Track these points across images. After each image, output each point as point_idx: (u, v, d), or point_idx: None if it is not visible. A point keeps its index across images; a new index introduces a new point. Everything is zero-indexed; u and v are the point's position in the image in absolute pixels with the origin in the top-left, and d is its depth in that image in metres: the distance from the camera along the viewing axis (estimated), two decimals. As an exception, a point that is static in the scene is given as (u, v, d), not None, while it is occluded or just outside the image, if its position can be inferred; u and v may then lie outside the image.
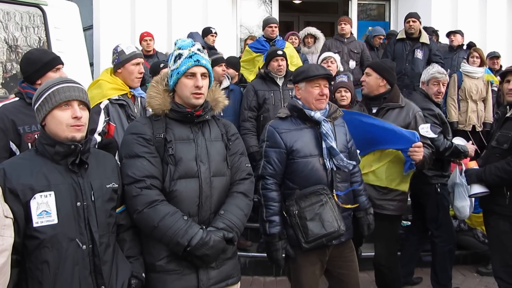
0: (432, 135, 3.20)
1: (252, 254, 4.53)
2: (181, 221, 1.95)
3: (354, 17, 7.79)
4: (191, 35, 5.46)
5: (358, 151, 2.95)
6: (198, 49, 2.13)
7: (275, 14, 7.87)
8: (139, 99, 3.38)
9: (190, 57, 2.08)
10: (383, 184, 3.18)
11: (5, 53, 5.22)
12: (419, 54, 5.58)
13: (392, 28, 7.68)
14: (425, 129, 3.17)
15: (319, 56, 5.55)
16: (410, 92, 5.30)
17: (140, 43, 6.16)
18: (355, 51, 5.79)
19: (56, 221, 1.70)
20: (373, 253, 3.48)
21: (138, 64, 3.23)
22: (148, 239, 2.04)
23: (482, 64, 5.62)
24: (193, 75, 2.08)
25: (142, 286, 1.98)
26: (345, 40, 5.86)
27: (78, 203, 1.76)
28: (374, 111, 3.25)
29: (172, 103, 2.13)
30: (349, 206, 2.68)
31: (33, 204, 1.68)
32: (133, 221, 2.00)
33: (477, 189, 3.15)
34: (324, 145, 2.55)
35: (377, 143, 3.15)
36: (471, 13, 7.42)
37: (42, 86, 1.84)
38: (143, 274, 1.98)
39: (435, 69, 3.81)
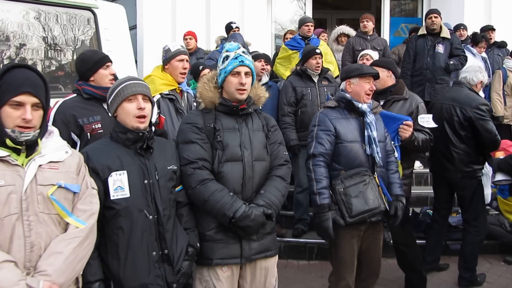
0: (432, 124, 3.45)
1: (287, 239, 4.81)
2: (228, 197, 2.28)
3: (386, 14, 7.89)
4: (233, 36, 5.75)
5: (393, 142, 3.22)
6: (243, 52, 2.45)
7: (309, 11, 8.06)
8: (185, 94, 3.74)
9: (236, 58, 2.40)
10: None
11: (60, 53, 5.71)
12: (440, 48, 5.67)
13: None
14: (426, 119, 3.43)
15: (343, 55, 5.85)
16: (432, 86, 5.47)
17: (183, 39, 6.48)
18: (378, 48, 5.93)
19: (128, 195, 2.06)
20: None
21: (182, 60, 3.59)
22: (199, 212, 2.38)
23: None
24: (238, 73, 2.39)
25: (197, 254, 2.32)
26: (368, 37, 6.00)
27: (145, 181, 2.11)
28: (381, 103, 3.52)
29: (220, 98, 2.45)
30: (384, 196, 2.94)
31: (110, 180, 2.04)
32: (189, 198, 2.35)
33: (500, 176, 3.37)
34: (366, 133, 2.84)
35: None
36: (505, 9, 7.37)
37: (114, 84, 2.20)
38: (198, 244, 2.32)
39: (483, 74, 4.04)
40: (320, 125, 2.90)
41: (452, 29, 6.57)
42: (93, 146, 2.16)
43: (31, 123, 1.73)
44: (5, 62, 4.92)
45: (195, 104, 3.90)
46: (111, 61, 3.04)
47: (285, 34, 6.79)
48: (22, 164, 1.74)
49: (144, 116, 2.14)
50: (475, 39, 6.14)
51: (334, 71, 5.46)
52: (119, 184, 2.04)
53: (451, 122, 3.85)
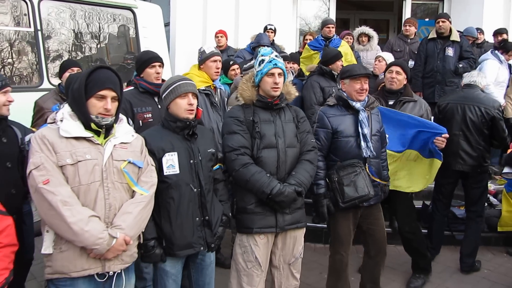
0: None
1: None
2: (265, 177, 2.76)
3: (407, 16, 8.17)
4: (259, 36, 6.20)
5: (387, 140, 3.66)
6: (276, 56, 2.91)
7: (333, 11, 8.40)
8: (219, 89, 4.23)
9: (270, 61, 2.86)
10: (417, 189, 3.95)
11: (104, 48, 6.27)
12: (450, 51, 5.90)
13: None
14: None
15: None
16: (442, 88, 5.77)
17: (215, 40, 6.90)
18: (415, 52, 6.22)
19: (178, 172, 2.55)
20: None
21: (215, 61, 4.07)
22: (242, 191, 2.85)
23: None
24: (272, 74, 2.85)
25: (229, 222, 2.81)
26: (408, 40, 6.30)
27: (191, 161, 2.60)
28: (390, 103, 3.93)
29: (257, 95, 2.92)
30: (377, 179, 3.38)
31: (164, 160, 2.53)
32: (223, 177, 2.83)
33: (507, 169, 3.78)
34: (360, 130, 3.25)
35: (410, 130, 3.79)
36: None
37: (168, 81, 2.68)
38: (230, 214, 2.81)
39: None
40: (319, 123, 3.33)
41: (476, 33, 6.80)
42: (149, 132, 2.65)
43: (110, 112, 2.23)
44: (63, 53, 5.51)
45: (226, 99, 4.39)
46: (158, 61, 3.49)
47: (305, 35, 7.18)
48: (101, 144, 2.24)
49: (192, 110, 2.63)
50: (506, 47, 6.11)
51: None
52: (171, 163, 2.54)
53: (476, 121, 4.14)
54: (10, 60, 5.04)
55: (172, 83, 2.64)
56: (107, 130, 2.27)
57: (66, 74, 3.78)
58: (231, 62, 5.08)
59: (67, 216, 2.02)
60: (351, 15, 9.68)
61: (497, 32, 6.76)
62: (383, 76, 4.78)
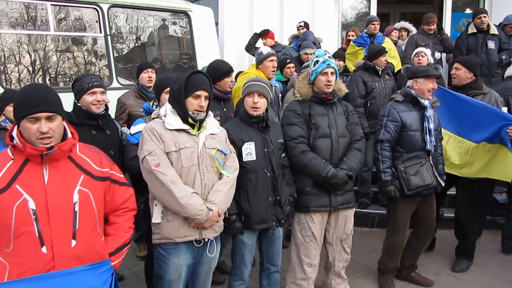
0: None
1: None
2: (321, 162, 3.21)
3: (448, 9, 8.30)
4: (306, 34, 6.60)
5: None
6: (329, 57, 3.33)
7: (374, 6, 8.62)
8: (273, 87, 4.66)
9: (324, 62, 3.29)
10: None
11: (162, 49, 6.83)
12: (491, 44, 6.09)
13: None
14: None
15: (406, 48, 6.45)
16: (489, 80, 5.96)
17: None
18: (437, 44, 6.50)
19: (255, 158, 3.02)
20: (453, 215, 4.49)
21: (271, 61, 4.49)
22: (300, 174, 3.31)
23: None
24: (326, 73, 3.28)
25: (296, 204, 3.28)
26: (430, 35, 6.51)
27: (265, 149, 3.07)
28: None
29: (312, 91, 3.36)
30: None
31: (243, 148, 3.00)
32: (290, 163, 3.29)
33: None
34: (425, 125, 3.61)
35: (475, 122, 3.97)
36: None
37: (247, 81, 3.15)
38: (295, 195, 3.27)
39: None
40: (389, 116, 3.67)
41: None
42: (230, 125, 3.12)
43: (203, 108, 2.70)
44: (129, 56, 6.10)
45: (280, 95, 4.82)
46: (233, 71, 3.97)
47: (347, 32, 7.39)
48: (196, 135, 2.73)
49: (257, 108, 3.05)
50: None
51: (397, 65, 6.13)
52: (249, 151, 3.01)
53: None
54: (84, 63, 5.67)
55: (246, 83, 3.11)
56: (200, 123, 2.74)
57: (143, 75, 4.33)
58: (288, 61, 5.47)
59: (175, 192, 2.52)
60: (391, 9, 9.84)
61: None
62: None
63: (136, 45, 6.40)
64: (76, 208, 1.96)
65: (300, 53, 6.08)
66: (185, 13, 6.62)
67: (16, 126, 1.96)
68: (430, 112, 3.65)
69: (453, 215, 4.50)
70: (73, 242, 1.95)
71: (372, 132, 4.83)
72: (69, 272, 1.90)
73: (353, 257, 3.81)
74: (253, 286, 3.52)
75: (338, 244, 3.52)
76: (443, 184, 3.80)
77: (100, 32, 5.65)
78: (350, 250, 3.63)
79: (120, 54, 6.07)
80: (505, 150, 3.87)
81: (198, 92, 2.66)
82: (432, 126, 3.62)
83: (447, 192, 4.69)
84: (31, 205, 1.87)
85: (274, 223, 3.10)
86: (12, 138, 1.96)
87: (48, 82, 5.32)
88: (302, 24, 7.27)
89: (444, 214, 5.10)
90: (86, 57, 5.67)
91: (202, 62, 6.46)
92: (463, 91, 4.20)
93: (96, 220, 2.07)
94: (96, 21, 5.67)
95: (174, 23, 6.73)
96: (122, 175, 2.32)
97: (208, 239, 2.72)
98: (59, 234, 1.91)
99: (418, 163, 3.61)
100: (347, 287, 3.72)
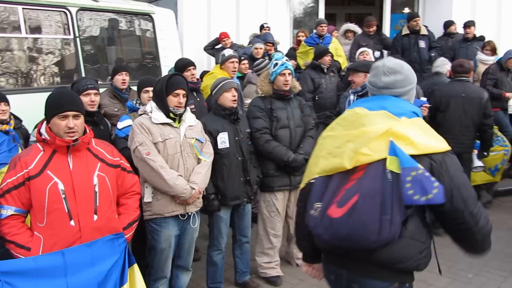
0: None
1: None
2: (283, 149, 3.83)
3: (388, 11, 9.17)
4: (266, 35, 7.22)
5: None
6: (286, 60, 3.95)
7: (322, 7, 9.35)
8: (237, 85, 5.25)
9: (282, 64, 3.90)
10: None
11: (129, 50, 7.20)
12: (422, 44, 7.03)
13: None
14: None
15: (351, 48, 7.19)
16: (421, 75, 6.84)
17: (220, 41, 7.73)
18: (377, 44, 7.29)
19: (228, 146, 3.59)
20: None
21: (232, 62, 5.13)
22: (265, 160, 3.92)
23: (493, 54, 7.05)
24: (284, 74, 3.90)
25: (262, 185, 3.89)
26: (371, 36, 7.29)
27: (237, 138, 3.65)
28: None
29: (273, 89, 3.97)
30: None
31: (218, 138, 3.56)
32: (255, 150, 3.88)
33: None
34: None
35: None
36: (488, 7, 8.55)
37: (216, 81, 3.71)
38: (261, 176, 3.87)
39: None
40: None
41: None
42: (206, 118, 3.68)
43: (182, 104, 3.22)
44: (93, 59, 6.44)
45: (242, 92, 5.41)
46: (192, 65, 4.53)
47: (297, 33, 8.10)
48: (177, 127, 3.24)
49: (235, 100, 3.65)
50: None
51: (343, 63, 6.88)
52: (223, 140, 3.58)
53: None
54: (55, 64, 5.98)
55: (220, 82, 3.67)
56: (180, 117, 3.27)
57: (118, 77, 4.75)
58: (242, 58, 6.09)
59: (164, 175, 3.05)
60: (337, 10, 10.63)
61: (466, 25, 7.65)
62: None
63: (103, 46, 6.75)
64: (96, 189, 2.45)
65: (251, 48, 6.74)
66: (149, 15, 7.02)
67: (44, 123, 2.43)
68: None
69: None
70: (95, 217, 2.43)
71: (320, 122, 5.47)
72: (94, 243, 2.37)
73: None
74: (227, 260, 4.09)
75: (297, 217, 4.17)
76: None
77: (69, 34, 5.97)
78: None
79: (88, 55, 6.40)
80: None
81: (177, 91, 3.17)
82: None
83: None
84: (61, 186, 2.35)
85: (245, 199, 3.70)
86: (40, 134, 2.42)
87: (21, 83, 5.59)
88: (266, 25, 7.88)
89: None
90: (57, 58, 5.97)
91: (165, 61, 6.91)
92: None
93: (111, 199, 2.57)
94: (65, 24, 5.98)
95: (139, 25, 7.10)
96: (129, 164, 2.81)
97: (191, 213, 3.27)
98: (84, 210, 2.39)
99: None
100: (306, 254, 4.38)
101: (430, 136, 1.84)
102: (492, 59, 6.97)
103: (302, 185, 2.15)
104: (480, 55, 7.02)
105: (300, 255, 4.20)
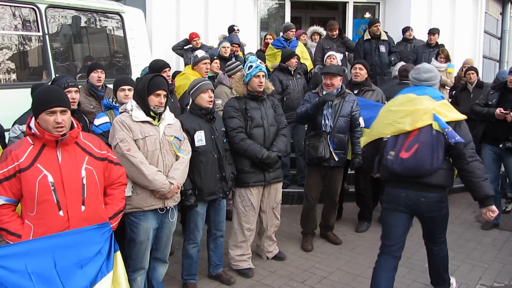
0: None
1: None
2: (257, 147, 4.03)
3: (350, 16, 9.59)
4: (232, 36, 7.40)
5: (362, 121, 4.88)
6: (260, 62, 4.16)
7: (288, 10, 9.67)
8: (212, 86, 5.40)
9: (256, 67, 4.11)
10: None
11: (98, 48, 7.19)
12: (383, 48, 7.51)
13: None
14: None
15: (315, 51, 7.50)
16: (382, 78, 7.28)
17: (191, 41, 7.85)
18: (340, 46, 7.63)
19: (205, 144, 3.74)
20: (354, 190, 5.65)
21: (205, 63, 5.31)
22: (240, 157, 4.10)
23: (447, 61, 7.54)
24: (258, 76, 4.10)
25: (237, 181, 4.08)
26: (334, 39, 7.62)
27: (212, 136, 3.81)
28: (355, 92, 5.26)
29: (247, 90, 4.16)
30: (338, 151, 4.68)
31: (195, 136, 3.71)
32: (230, 148, 4.05)
33: None
34: (325, 112, 4.58)
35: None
36: (443, 15, 9.13)
37: (193, 82, 3.85)
38: (235, 173, 4.06)
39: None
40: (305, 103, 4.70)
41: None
42: (183, 117, 3.81)
43: (162, 104, 3.36)
44: (62, 56, 6.41)
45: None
46: (168, 67, 4.69)
47: (265, 36, 8.40)
48: (157, 125, 3.38)
49: (211, 101, 3.81)
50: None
51: (309, 65, 7.18)
52: (200, 138, 3.73)
53: None
54: (25, 60, 5.93)
55: (198, 83, 3.82)
56: (160, 116, 3.40)
57: (93, 75, 4.81)
58: (215, 57, 6.31)
59: (144, 170, 3.18)
60: (302, 14, 10.95)
61: (431, 32, 8.17)
62: None
63: (73, 43, 6.72)
64: (84, 182, 2.57)
65: (219, 47, 6.96)
66: (118, 14, 7.04)
67: (33, 119, 2.52)
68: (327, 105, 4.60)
69: (354, 190, 5.66)
70: (83, 208, 2.55)
71: (289, 122, 5.57)
72: (81, 230, 2.50)
73: (278, 227, 4.70)
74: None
75: (270, 211, 4.40)
76: (336, 159, 4.64)
77: (38, 31, 5.94)
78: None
79: (57, 52, 6.37)
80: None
81: (158, 91, 3.30)
82: (327, 112, 4.55)
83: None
84: (50, 179, 2.46)
85: (221, 195, 3.88)
86: (30, 128, 2.51)
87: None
88: (237, 27, 8.06)
89: (349, 190, 6.21)
90: (25, 55, 5.93)
91: (135, 60, 6.97)
92: (358, 87, 5.31)
93: (98, 191, 2.69)
94: (34, 21, 5.94)
95: (108, 24, 7.11)
96: (116, 157, 2.93)
97: (170, 207, 3.42)
98: (72, 201, 2.51)
99: (317, 140, 4.57)
100: (276, 248, 4.62)
101: (452, 111, 3.17)
102: (444, 66, 7.44)
103: (364, 143, 3.69)
104: (434, 62, 7.43)
105: (270, 248, 4.52)
